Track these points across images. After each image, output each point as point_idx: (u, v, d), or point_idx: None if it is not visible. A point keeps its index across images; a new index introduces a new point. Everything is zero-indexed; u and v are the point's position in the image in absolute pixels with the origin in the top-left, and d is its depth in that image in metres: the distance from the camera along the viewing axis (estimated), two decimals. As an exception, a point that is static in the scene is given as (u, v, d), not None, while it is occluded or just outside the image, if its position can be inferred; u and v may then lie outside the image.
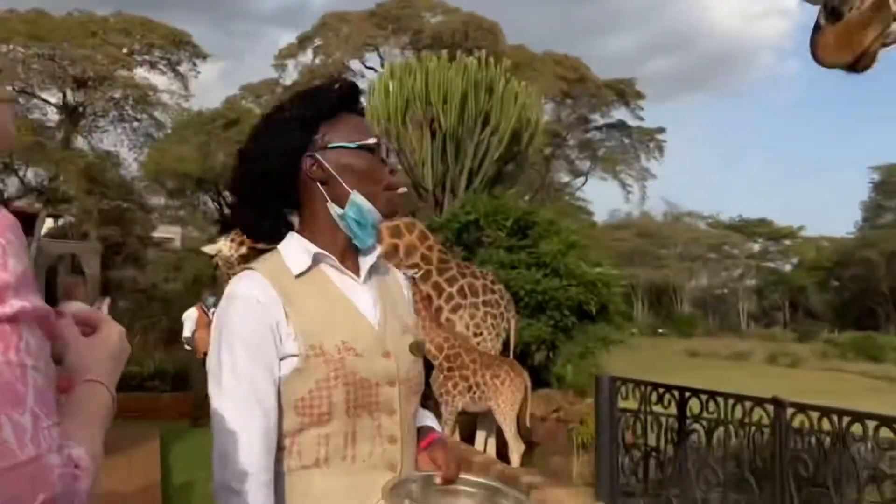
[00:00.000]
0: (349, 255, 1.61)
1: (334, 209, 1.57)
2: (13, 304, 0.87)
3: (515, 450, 7.92)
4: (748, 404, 3.70)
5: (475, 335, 9.24)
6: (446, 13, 35.54)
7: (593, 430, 5.21)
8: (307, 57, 36.90)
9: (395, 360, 1.58)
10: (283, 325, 1.49)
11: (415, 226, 9.92)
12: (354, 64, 35.34)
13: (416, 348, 1.65)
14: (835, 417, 3.19)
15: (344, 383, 1.50)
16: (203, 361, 8.59)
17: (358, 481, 1.53)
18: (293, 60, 37.67)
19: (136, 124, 34.02)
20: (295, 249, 1.58)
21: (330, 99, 1.60)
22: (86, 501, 0.90)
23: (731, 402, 3.79)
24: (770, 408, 3.55)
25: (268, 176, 1.57)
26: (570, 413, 10.50)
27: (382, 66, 29.25)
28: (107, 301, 8.96)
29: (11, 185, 32.87)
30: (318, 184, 1.57)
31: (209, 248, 9.90)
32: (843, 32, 1.67)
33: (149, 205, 45.83)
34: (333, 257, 1.58)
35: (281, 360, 1.50)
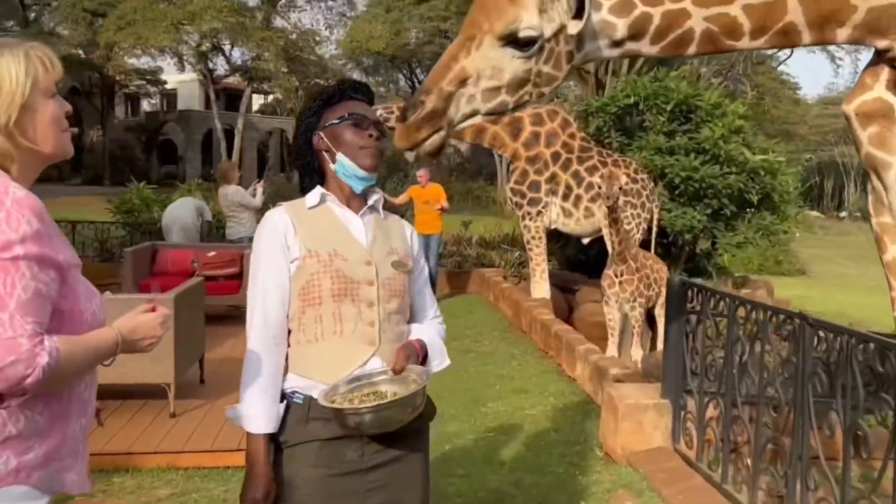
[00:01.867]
0: (354, 199, 2.23)
1: (332, 167, 2.21)
2: (15, 251, 1.52)
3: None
4: (781, 317, 3.70)
5: (613, 224, 9.27)
6: None
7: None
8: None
9: (374, 267, 2.17)
10: (290, 238, 2.14)
11: (557, 113, 9.92)
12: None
13: (398, 265, 2.22)
14: (844, 337, 3.16)
15: (330, 276, 2.11)
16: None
17: (344, 350, 2.12)
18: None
19: (330, 3, 35.00)
20: (313, 193, 2.23)
21: (331, 92, 2.24)
22: (42, 371, 1.50)
23: (769, 313, 3.79)
24: (797, 322, 3.54)
25: (300, 151, 2.27)
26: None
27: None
28: (261, 183, 9.83)
29: (220, 65, 35.30)
30: (324, 151, 2.22)
31: None
32: (403, 130, 2.60)
33: (347, 82, 47.45)
34: (335, 197, 2.22)
35: (290, 262, 2.13)
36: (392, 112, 9.85)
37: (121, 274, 8.53)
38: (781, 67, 41.00)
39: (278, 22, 33.76)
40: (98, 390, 1.88)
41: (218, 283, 8.36)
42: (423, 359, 2.21)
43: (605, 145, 11.60)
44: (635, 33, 2.73)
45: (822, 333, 3.39)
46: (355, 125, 2.18)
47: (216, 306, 8.14)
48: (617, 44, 2.77)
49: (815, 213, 41.62)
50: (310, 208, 2.20)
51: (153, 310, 1.83)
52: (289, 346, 2.16)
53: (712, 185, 11.09)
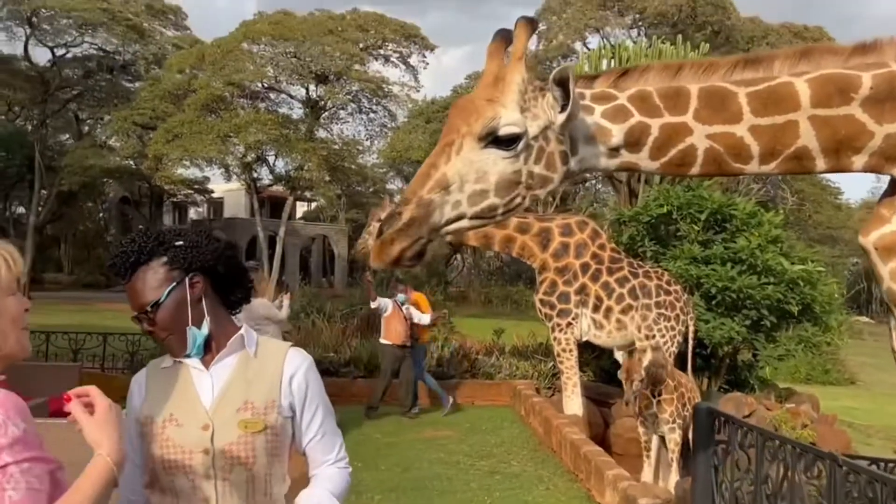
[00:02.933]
0: (207, 353, 1.99)
1: None
2: (4, 458, 1.45)
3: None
4: (811, 456, 3.44)
5: (647, 338, 9.01)
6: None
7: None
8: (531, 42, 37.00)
9: (210, 432, 1.88)
10: (139, 403, 1.98)
11: (586, 224, 9.84)
12: (577, 46, 34.95)
13: (248, 424, 1.90)
14: (877, 485, 2.91)
15: (160, 446, 1.88)
16: (387, 348, 9.27)
17: None
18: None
19: (371, 115, 35.94)
20: None
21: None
22: None
23: (797, 450, 3.54)
24: (828, 463, 3.28)
25: None
26: (764, 418, 9.72)
27: (604, 48, 28.48)
28: (288, 296, 9.74)
29: (264, 175, 36.23)
30: None
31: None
32: (377, 247, 2.39)
33: (388, 189, 48.54)
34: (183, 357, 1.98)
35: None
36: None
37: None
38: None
39: (321, 133, 34.67)
40: None
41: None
42: None
43: (639, 254, 11.45)
44: (632, 142, 2.57)
45: (853, 477, 3.13)
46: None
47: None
48: (614, 152, 2.60)
49: (864, 319, 40.58)
50: (163, 368, 2.01)
51: (90, 404, 1.62)
52: None
53: (750, 295, 10.83)
